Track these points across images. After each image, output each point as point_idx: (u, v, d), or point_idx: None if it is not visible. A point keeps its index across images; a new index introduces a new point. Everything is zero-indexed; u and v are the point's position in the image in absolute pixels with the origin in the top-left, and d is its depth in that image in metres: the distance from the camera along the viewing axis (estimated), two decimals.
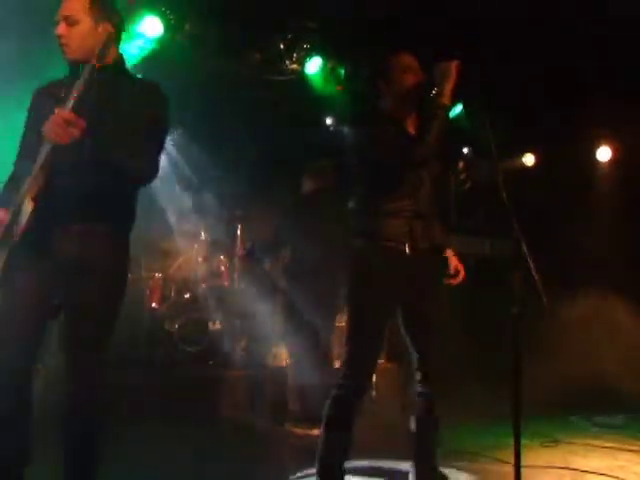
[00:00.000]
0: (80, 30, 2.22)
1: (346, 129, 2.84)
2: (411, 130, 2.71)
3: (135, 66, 5.39)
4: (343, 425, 2.58)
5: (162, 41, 5.44)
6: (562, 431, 4.36)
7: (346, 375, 2.60)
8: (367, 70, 3.82)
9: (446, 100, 2.53)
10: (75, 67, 2.27)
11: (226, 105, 5.94)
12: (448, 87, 2.53)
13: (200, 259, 5.79)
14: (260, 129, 6.28)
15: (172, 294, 5.57)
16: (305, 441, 3.96)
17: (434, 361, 2.69)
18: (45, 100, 2.30)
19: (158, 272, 5.56)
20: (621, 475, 3.35)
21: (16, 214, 2.17)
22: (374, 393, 4.79)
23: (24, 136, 2.40)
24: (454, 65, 2.53)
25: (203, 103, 5.74)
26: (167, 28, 5.40)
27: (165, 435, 3.76)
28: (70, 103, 2.06)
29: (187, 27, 5.57)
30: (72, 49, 2.25)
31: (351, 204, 2.74)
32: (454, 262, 2.80)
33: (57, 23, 2.24)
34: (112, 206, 2.26)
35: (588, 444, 4.06)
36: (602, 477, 3.33)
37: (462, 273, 2.80)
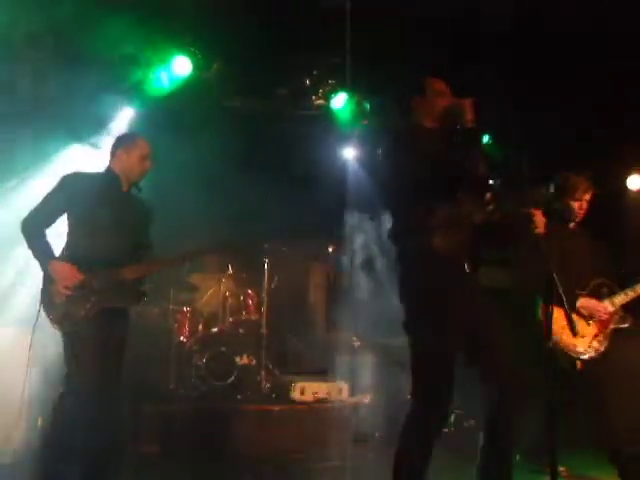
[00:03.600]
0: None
1: (382, 149, 2.84)
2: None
3: (164, 103, 5.56)
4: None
5: (190, 80, 5.58)
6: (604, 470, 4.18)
7: None
8: (401, 89, 3.96)
9: (470, 125, 2.63)
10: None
11: (253, 140, 6.03)
12: (467, 118, 2.63)
13: (227, 293, 5.81)
14: (286, 163, 6.35)
15: (200, 328, 5.59)
16: None
17: None
18: (87, 190, 3.20)
19: (186, 306, 5.59)
20: None
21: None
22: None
23: (54, 209, 3.20)
24: (468, 102, 2.65)
25: (230, 138, 5.83)
26: (195, 67, 5.55)
27: None
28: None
29: (215, 66, 5.71)
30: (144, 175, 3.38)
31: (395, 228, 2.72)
32: None
33: (146, 159, 3.33)
34: None
35: None
36: None
37: None
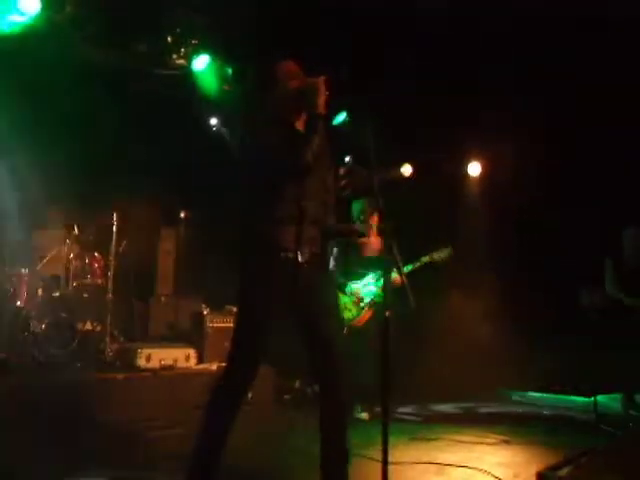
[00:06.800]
0: None
1: (234, 133, 2.93)
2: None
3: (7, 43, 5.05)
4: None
5: (39, 20, 5.09)
6: (428, 428, 4.64)
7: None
8: (255, 75, 4.03)
9: (320, 110, 2.71)
10: None
11: (102, 94, 5.66)
12: (319, 100, 2.71)
13: (72, 255, 5.48)
14: (141, 122, 6.08)
15: (40, 292, 5.23)
16: None
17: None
18: None
19: (24, 268, 5.19)
20: (478, 465, 3.62)
21: None
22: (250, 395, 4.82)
23: None
24: (321, 81, 2.72)
25: (77, 90, 5.44)
26: (46, 6, 5.07)
27: None
28: None
29: (68, 8, 5.27)
30: None
31: (242, 208, 2.81)
32: None
33: None
34: None
35: (449, 439, 4.33)
36: (462, 469, 3.58)
37: None
